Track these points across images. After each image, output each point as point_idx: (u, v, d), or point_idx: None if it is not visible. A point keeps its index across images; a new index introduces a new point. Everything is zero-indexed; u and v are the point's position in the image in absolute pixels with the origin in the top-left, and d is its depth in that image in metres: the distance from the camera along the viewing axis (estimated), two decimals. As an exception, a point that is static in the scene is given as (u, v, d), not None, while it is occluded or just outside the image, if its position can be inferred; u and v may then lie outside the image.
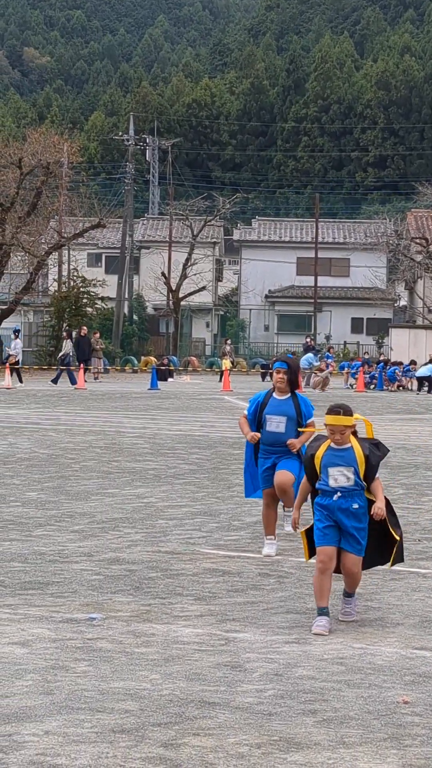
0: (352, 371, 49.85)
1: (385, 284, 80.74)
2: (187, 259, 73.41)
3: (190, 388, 46.66)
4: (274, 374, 11.42)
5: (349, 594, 8.66)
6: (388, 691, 7.00)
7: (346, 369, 50.67)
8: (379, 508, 8.47)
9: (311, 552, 8.76)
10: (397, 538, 8.57)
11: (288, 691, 6.96)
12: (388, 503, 8.63)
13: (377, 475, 8.55)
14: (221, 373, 50.00)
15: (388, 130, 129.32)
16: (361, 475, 8.41)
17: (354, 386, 47.58)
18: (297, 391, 11.50)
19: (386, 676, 7.32)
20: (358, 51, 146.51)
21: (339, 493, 8.37)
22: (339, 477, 8.40)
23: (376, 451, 8.45)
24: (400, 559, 8.88)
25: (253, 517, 13.42)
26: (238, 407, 32.89)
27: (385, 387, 47.85)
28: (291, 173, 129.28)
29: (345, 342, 77.59)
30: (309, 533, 8.67)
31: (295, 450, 11.19)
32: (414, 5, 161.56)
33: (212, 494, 15.39)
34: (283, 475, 11.19)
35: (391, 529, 8.54)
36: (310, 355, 53.20)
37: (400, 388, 47.76)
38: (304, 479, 8.70)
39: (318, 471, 8.47)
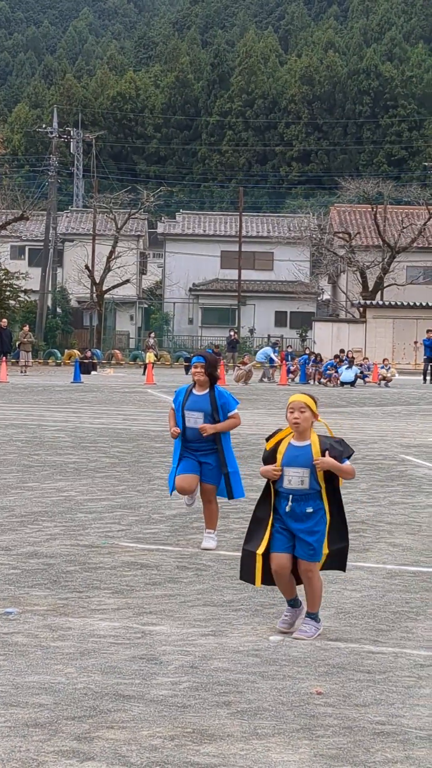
0: (301, 364, 50.06)
1: (309, 278, 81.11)
2: (111, 252, 73.20)
3: (114, 381, 46.54)
4: (192, 369, 11.41)
5: (311, 614, 8.17)
6: (302, 682, 7.04)
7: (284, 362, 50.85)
8: (322, 460, 7.99)
9: (264, 578, 8.18)
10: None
11: (203, 683, 6.97)
12: (341, 510, 8.28)
13: (347, 463, 8.11)
14: (145, 366, 49.99)
15: (312, 125, 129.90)
16: (319, 475, 8.05)
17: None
18: (217, 385, 11.45)
19: (300, 667, 7.36)
20: (283, 46, 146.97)
21: (291, 497, 8.02)
22: (293, 478, 8.04)
23: (337, 446, 8.08)
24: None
25: (173, 510, 13.43)
26: (162, 400, 32.89)
27: (308, 380, 48.16)
28: (215, 167, 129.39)
29: (269, 335, 77.82)
30: (265, 557, 8.14)
31: (206, 434, 11.12)
32: (338, 1, 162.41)
33: (133, 487, 15.37)
34: (210, 506, 11.25)
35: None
36: (267, 348, 53.61)
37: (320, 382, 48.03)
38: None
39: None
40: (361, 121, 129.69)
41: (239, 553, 10.97)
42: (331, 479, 8.14)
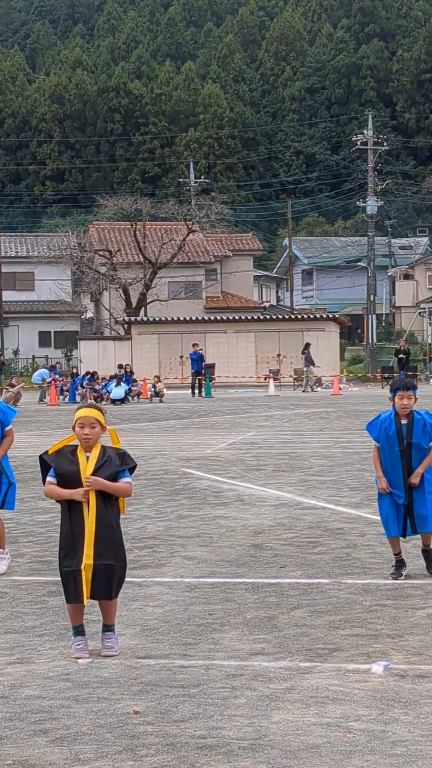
0: (74, 384, 49.75)
1: (71, 297, 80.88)
2: None
3: None
4: None
5: (108, 627, 8.09)
6: (118, 702, 6.96)
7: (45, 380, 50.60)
8: (93, 480, 7.88)
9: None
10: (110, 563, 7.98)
11: (16, 713, 6.81)
12: (115, 526, 8.11)
13: (126, 480, 8.04)
14: None
15: (64, 144, 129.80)
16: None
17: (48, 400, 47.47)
18: None
19: (114, 688, 7.28)
20: (30, 64, 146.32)
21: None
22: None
23: (114, 461, 8.00)
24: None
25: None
26: None
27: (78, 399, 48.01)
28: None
29: (33, 356, 77.22)
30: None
31: None
32: (83, 20, 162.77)
33: None
34: None
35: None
36: (43, 370, 53.41)
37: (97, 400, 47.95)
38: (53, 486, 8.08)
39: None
40: (114, 139, 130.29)
41: (34, 578, 10.85)
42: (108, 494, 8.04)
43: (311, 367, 55.39)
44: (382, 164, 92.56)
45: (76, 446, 8.10)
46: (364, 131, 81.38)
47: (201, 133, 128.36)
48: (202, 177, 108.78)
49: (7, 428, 11.19)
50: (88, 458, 8.02)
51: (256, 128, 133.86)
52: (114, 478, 8.03)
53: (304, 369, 55.96)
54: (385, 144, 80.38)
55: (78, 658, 7.95)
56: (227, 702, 6.91)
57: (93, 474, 7.96)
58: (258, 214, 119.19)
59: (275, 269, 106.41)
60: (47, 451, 8.16)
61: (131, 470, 8.16)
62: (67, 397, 49.73)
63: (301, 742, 6.17)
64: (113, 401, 45.63)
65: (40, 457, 8.20)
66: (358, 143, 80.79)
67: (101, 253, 72.44)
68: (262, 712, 6.70)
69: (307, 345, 56.73)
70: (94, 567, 7.90)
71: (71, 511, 8.01)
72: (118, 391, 46.11)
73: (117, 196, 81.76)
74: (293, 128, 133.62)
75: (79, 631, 8.11)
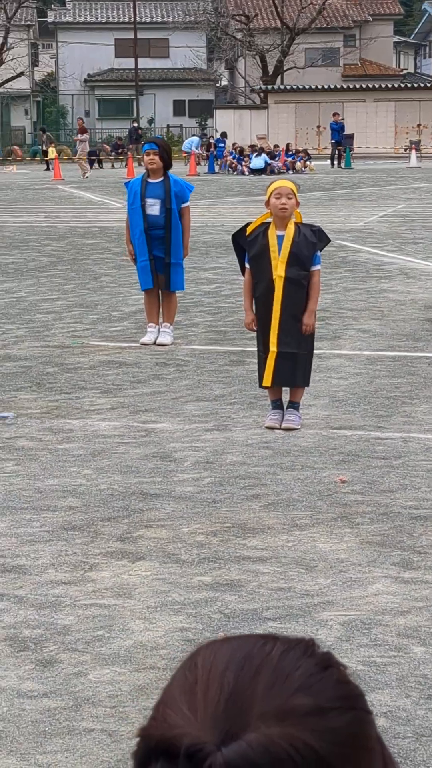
0: (212, 154, 49.35)
1: (206, 64, 79.34)
2: (2, 44, 70.70)
3: (19, 178, 45.44)
4: (145, 157, 11.23)
5: (293, 404, 8.14)
6: (323, 471, 7.07)
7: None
8: (306, 324, 7.98)
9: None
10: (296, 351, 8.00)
11: (225, 478, 6.98)
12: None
13: (317, 267, 8.02)
14: (47, 162, 49.04)
15: None
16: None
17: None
18: (170, 173, 11.28)
19: (315, 457, 7.39)
20: None
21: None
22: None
23: (312, 238, 7.90)
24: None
25: (131, 307, 13.27)
26: (75, 196, 32.32)
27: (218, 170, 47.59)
28: None
29: (168, 126, 76.38)
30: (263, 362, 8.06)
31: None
32: None
33: (81, 286, 15.14)
34: (169, 299, 11.14)
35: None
36: (194, 138, 52.97)
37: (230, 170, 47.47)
38: (247, 278, 8.09)
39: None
40: None
41: (213, 347, 10.97)
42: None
43: None
44: None
45: (269, 225, 8.01)
46: None
47: None
48: None
49: (183, 205, 11.09)
50: (280, 238, 7.91)
51: None
52: (309, 257, 7.94)
53: None
54: None
55: (270, 427, 8.06)
56: (432, 474, 6.98)
57: (288, 253, 7.88)
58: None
59: (412, 35, 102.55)
60: (244, 230, 8.06)
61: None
62: (207, 167, 49.25)
63: None
64: (252, 171, 45.09)
65: (233, 238, 8.17)
66: None
67: (238, 18, 70.52)
68: (469, 485, 6.76)
69: None
70: (278, 354, 7.95)
71: (261, 298, 7.99)
72: (257, 161, 45.50)
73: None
74: None
75: (276, 405, 8.19)
